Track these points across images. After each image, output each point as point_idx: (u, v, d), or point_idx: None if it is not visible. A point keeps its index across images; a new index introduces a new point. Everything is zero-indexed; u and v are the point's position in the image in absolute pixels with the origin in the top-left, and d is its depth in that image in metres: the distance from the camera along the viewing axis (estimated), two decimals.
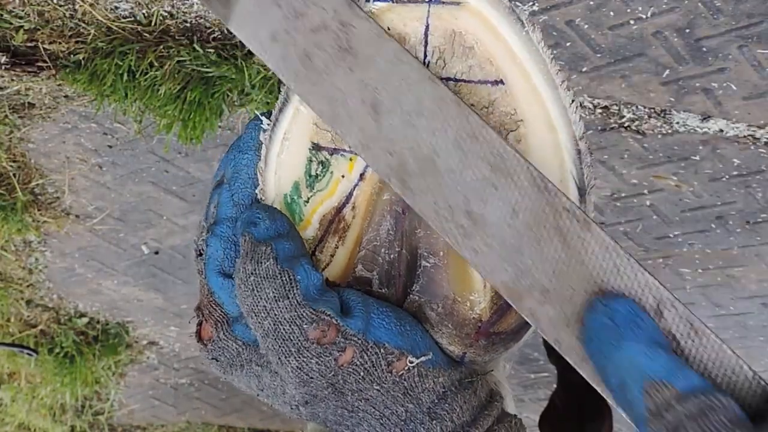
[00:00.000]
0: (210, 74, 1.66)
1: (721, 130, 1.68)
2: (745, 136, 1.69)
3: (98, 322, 2.84)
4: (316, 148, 0.46)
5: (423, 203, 0.40)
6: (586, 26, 1.48)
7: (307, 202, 0.46)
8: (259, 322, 0.40)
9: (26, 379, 3.06)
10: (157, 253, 2.45)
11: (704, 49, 1.47)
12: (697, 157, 1.76)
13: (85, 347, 2.83)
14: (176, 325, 2.84)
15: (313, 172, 0.46)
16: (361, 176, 0.45)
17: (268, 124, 0.46)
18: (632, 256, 0.37)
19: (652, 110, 1.67)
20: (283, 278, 0.40)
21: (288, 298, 0.40)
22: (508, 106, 0.43)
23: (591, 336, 0.36)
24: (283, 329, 0.40)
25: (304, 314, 0.40)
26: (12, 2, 1.60)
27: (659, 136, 1.73)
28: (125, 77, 1.66)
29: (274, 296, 0.40)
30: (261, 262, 0.41)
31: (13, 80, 1.76)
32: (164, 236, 2.37)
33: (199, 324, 0.45)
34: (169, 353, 3.01)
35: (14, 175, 2.14)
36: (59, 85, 1.79)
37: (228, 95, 1.70)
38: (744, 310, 2.30)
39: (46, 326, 2.81)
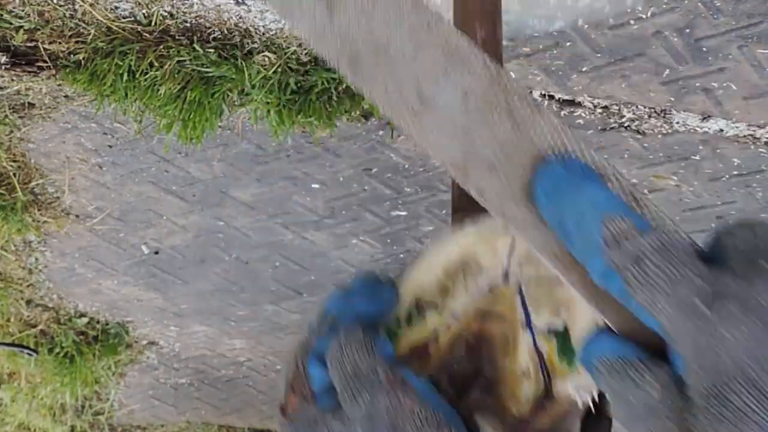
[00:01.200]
0: (210, 74, 1.66)
1: (721, 130, 1.68)
2: (745, 136, 1.69)
3: (98, 322, 2.84)
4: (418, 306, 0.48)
5: (373, 87, 0.41)
6: (586, 26, 1.48)
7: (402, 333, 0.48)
8: (340, 370, 0.43)
9: (26, 379, 3.06)
10: (157, 253, 2.45)
11: (704, 49, 1.48)
12: (697, 157, 1.76)
13: (85, 347, 2.83)
14: (176, 325, 2.84)
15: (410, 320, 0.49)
16: (452, 321, 0.47)
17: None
18: (580, 138, 0.37)
19: (652, 110, 1.67)
20: (365, 339, 0.43)
21: (368, 353, 0.43)
22: None
23: (544, 187, 0.36)
24: (361, 372, 0.42)
25: (379, 364, 0.42)
26: (12, 2, 1.60)
27: (659, 136, 1.73)
28: (125, 77, 1.66)
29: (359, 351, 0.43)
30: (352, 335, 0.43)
31: (13, 80, 1.76)
32: (164, 236, 2.37)
33: (286, 398, 0.47)
34: (169, 353, 3.01)
35: (14, 175, 2.14)
36: (59, 85, 1.79)
37: (228, 95, 1.70)
38: None
39: (46, 326, 2.81)
